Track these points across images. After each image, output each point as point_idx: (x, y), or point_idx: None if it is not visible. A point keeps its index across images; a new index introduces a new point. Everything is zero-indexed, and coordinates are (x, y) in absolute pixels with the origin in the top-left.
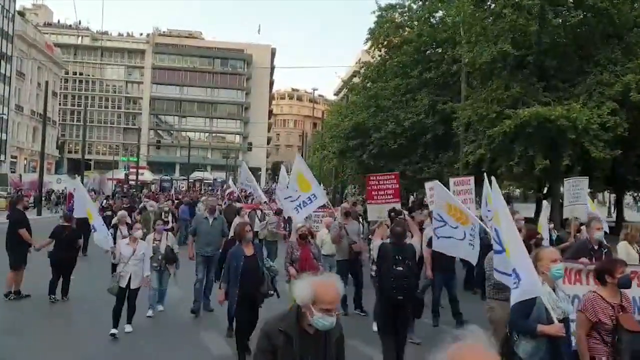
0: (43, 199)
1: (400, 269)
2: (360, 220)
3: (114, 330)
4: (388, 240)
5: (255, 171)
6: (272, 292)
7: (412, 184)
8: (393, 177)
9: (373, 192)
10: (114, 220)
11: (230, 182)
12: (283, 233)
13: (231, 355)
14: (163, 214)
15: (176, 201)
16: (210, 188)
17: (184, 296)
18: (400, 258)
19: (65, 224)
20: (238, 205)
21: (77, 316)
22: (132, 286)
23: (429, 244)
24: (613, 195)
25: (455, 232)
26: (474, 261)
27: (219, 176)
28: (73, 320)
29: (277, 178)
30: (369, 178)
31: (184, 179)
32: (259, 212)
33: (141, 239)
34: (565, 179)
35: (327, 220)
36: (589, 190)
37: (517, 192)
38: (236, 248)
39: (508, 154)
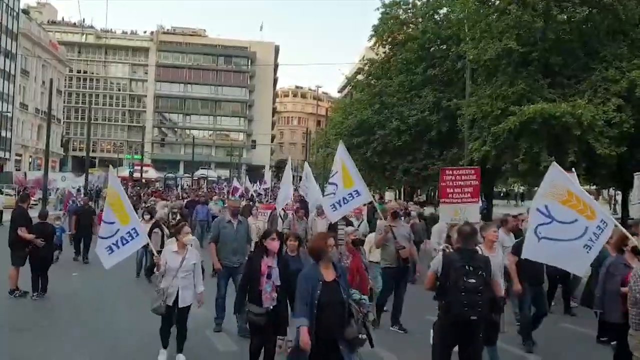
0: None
1: (473, 281)
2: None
3: (162, 355)
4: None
5: (259, 169)
6: (362, 336)
7: (417, 181)
8: (473, 172)
9: (448, 189)
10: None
11: (235, 180)
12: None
13: (236, 351)
14: (171, 214)
15: (184, 200)
16: (214, 185)
17: (212, 320)
18: (472, 268)
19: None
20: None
21: (81, 314)
22: (181, 304)
23: (515, 250)
24: (618, 192)
25: (567, 230)
26: (582, 271)
27: (223, 174)
28: (77, 318)
29: (286, 175)
30: (444, 172)
31: (188, 177)
32: (281, 212)
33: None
34: (635, 174)
35: (379, 223)
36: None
37: (522, 189)
38: (311, 270)
39: (513, 151)
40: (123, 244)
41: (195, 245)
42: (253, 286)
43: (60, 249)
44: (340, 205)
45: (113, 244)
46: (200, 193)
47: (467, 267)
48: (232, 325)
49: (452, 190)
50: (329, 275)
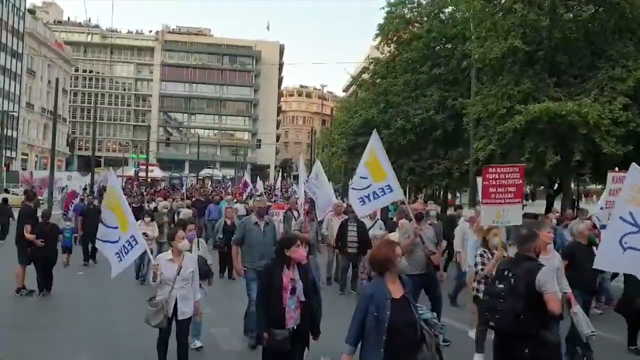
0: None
1: (501, 286)
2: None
3: None
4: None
5: (263, 168)
6: None
7: (422, 180)
8: (517, 170)
9: (490, 189)
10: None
11: (247, 175)
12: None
13: (240, 351)
14: (177, 215)
15: (192, 200)
16: (220, 185)
17: (217, 318)
18: (509, 274)
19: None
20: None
21: (86, 312)
22: (180, 317)
23: (566, 255)
24: None
25: None
26: None
27: (228, 173)
28: (80, 318)
29: (296, 172)
30: (487, 170)
31: (193, 176)
32: (295, 212)
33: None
34: (609, 171)
35: (403, 222)
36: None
37: (527, 189)
38: (376, 285)
39: (518, 150)
40: (126, 253)
41: (203, 249)
42: (273, 304)
43: (70, 252)
44: (370, 200)
45: (119, 251)
46: (205, 191)
47: (506, 272)
48: (236, 324)
49: (494, 190)
50: (396, 291)
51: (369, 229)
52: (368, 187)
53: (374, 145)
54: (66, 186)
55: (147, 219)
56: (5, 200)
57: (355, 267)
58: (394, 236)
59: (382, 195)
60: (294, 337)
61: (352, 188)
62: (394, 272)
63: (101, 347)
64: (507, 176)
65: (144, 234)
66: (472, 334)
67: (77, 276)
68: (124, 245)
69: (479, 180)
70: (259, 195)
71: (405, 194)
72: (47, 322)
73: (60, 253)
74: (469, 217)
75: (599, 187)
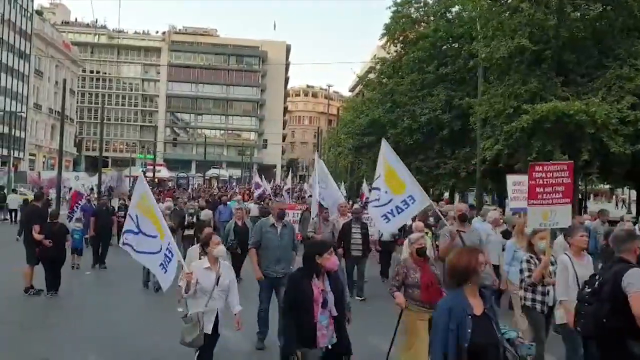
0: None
1: (588, 290)
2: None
3: None
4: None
5: (270, 168)
6: None
7: (429, 180)
8: (565, 167)
9: (537, 189)
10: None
11: (256, 176)
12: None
13: (248, 352)
14: (187, 217)
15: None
16: (225, 184)
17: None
18: (600, 278)
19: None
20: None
21: (92, 312)
22: (220, 330)
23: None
24: (633, 191)
25: None
26: None
27: (235, 173)
28: (89, 316)
29: (299, 173)
30: (533, 168)
31: (200, 176)
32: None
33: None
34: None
35: (419, 225)
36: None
37: None
38: (455, 298)
39: (526, 150)
40: (168, 263)
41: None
42: (302, 320)
43: (80, 254)
44: (394, 215)
45: (163, 262)
46: (213, 192)
47: (597, 275)
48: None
49: (542, 190)
50: (477, 306)
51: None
52: (389, 201)
53: (386, 155)
54: (83, 184)
55: (217, 239)
56: (26, 201)
57: (360, 271)
58: (415, 237)
59: (406, 207)
60: (327, 358)
61: (374, 206)
62: (475, 284)
63: (107, 347)
64: (554, 174)
65: None
66: None
67: (84, 276)
68: (165, 254)
69: (510, 179)
70: (274, 196)
71: None
72: (54, 321)
73: (69, 254)
74: (493, 218)
75: (607, 186)
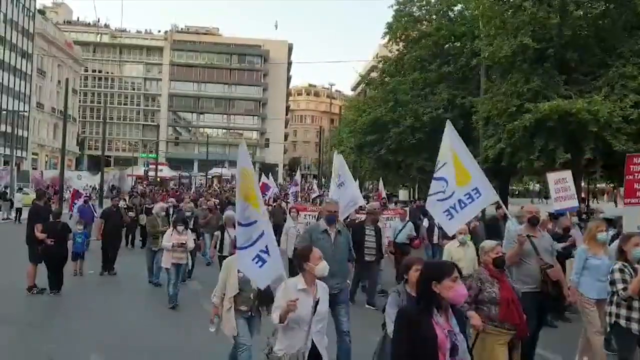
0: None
1: None
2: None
3: None
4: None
5: (272, 167)
6: None
7: (430, 179)
8: None
9: (635, 185)
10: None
11: (264, 176)
12: None
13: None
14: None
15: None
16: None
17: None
18: None
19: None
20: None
21: (96, 311)
22: None
23: None
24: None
25: None
26: None
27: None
28: (92, 314)
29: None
30: (631, 160)
31: (202, 176)
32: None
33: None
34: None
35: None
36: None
37: (537, 186)
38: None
39: (528, 148)
40: (266, 255)
41: None
42: None
43: (82, 259)
44: (457, 211)
45: (259, 254)
46: (215, 191)
47: None
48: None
49: None
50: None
51: (398, 232)
52: (452, 194)
53: (451, 140)
54: (87, 184)
55: (181, 227)
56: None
57: (372, 277)
58: (490, 246)
59: (470, 202)
60: None
61: (438, 199)
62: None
63: (111, 346)
64: None
65: (181, 244)
66: None
67: (88, 276)
68: (267, 245)
69: (551, 177)
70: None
71: (414, 192)
72: (57, 321)
73: (71, 260)
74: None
75: (610, 185)
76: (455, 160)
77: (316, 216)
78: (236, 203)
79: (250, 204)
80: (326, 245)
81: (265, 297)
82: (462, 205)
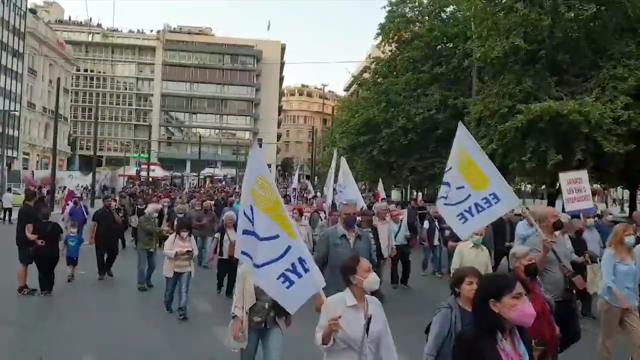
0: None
1: None
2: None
3: None
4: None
5: None
6: None
7: (424, 179)
8: None
9: None
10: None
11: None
12: None
13: None
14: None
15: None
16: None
17: None
18: None
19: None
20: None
21: (90, 311)
22: None
23: None
24: (626, 191)
25: None
26: None
27: (229, 172)
28: (86, 315)
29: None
30: None
31: (195, 176)
32: (322, 214)
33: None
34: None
35: (533, 237)
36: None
37: (529, 187)
38: None
39: (520, 149)
40: (298, 276)
41: None
42: None
43: (75, 263)
44: (472, 215)
45: (285, 271)
46: (209, 191)
47: None
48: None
49: None
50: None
51: (395, 234)
52: (467, 198)
53: (463, 142)
54: (78, 184)
55: (185, 233)
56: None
57: None
58: (522, 252)
59: (488, 206)
60: None
61: (446, 204)
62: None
63: (104, 347)
64: None
65: (185, 252)
66: None
67: (79, 276)
68: (294, 264)
69: (564, 178)
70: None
71: (406, 193)
72: (50, 321)
73: (66, 265)
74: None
75: (601, 186)
76: (468, 163)
77: (309, 216)
78: (249, 212)
79: (270, 216)
80: (345, 252)
81: (280, 308)
82: (480, 209)
